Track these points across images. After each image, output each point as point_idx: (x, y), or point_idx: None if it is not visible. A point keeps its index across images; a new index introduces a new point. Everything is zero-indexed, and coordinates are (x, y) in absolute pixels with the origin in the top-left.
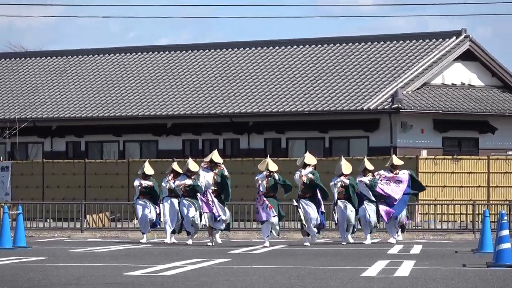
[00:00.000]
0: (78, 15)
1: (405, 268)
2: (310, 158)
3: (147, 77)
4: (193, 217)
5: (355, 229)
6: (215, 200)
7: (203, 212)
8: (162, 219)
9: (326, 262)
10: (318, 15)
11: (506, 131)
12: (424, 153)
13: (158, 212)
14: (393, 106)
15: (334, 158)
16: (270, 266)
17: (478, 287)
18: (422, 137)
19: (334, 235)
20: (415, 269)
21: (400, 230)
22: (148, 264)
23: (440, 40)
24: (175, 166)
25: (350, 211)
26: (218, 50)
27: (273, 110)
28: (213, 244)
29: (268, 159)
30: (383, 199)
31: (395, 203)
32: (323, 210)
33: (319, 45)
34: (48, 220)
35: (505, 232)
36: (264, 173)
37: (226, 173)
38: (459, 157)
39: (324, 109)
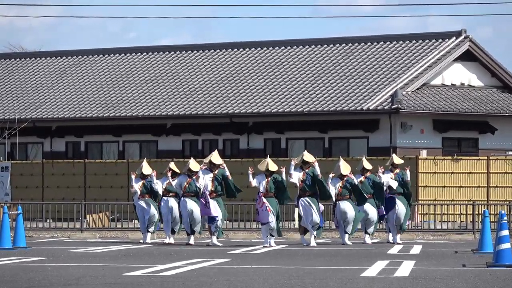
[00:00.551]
0: (78, 15)
1: (405, 268)
2: (309, 156)
3: (147, 77)
4: (193, 217)
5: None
6: (213, 201)
7: (202, 214)
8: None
9: (326, 262)
10: (318, 15)
11: (505, 131)
12: (423, 153)
13: (158, 211)
14: (393, 107)
15: (333, 158)
16: (270, 266)
17: (478, 287)
18: (422, 137)
19: (334, 235)
20: (415, 269)
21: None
22: (148, 264)
23: (440, 40)
24: (172, 165)
25: (350, 211)
26: (218, 50)
27: (272, 110)
28: (212, 244)
29: (268, 159)
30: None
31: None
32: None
33: (319, 46)
34: (47, 220)
35: (505, 232)
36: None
37: (227, 173)
38: (458, 157)
39: (324, 109)
